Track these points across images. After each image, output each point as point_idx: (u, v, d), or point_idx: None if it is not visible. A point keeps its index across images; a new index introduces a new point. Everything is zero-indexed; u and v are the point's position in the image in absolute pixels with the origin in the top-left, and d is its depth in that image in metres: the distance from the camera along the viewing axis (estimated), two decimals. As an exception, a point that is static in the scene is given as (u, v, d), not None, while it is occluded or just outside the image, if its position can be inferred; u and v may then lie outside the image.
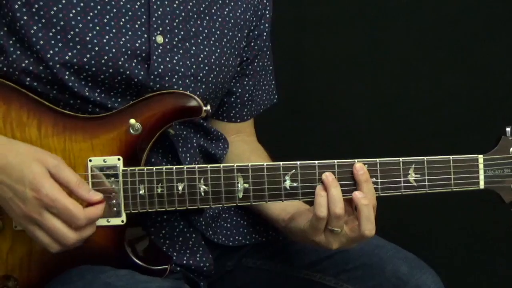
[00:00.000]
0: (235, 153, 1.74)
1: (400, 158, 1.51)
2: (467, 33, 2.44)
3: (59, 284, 1.48)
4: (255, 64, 1.74)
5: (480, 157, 1.53)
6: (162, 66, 1.54)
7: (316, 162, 1.50)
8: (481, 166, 1.52)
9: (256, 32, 1.71)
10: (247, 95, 1.75)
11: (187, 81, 1.57)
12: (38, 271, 1.50)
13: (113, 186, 1.49)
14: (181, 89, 1.56)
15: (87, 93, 1.51)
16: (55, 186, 1.39)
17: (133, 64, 1.52)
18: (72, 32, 1.49)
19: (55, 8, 1.49)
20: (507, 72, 2.45)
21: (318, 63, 2.45)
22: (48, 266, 1.50)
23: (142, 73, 1.53)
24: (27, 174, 1.39)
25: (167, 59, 1.55)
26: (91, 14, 1.50)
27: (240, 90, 1.74)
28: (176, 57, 1.56)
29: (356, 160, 1.51)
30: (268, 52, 1.77)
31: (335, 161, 1.51)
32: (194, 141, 1.63)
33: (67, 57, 1.49)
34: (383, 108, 2.45)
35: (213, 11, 1.63)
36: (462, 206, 2.41)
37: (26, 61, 1.49)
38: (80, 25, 1.49)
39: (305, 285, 1.66)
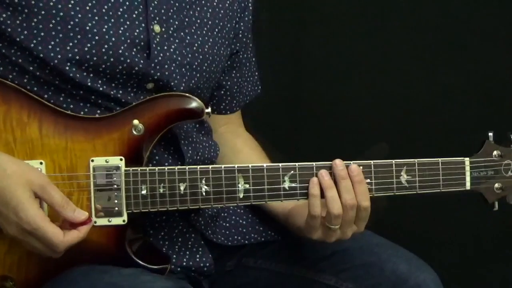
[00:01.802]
0: (228, 145, 1.77)
1: (393, 160, 1.58)
2: (457, 40, 2.51)
3: (62, 283, 1.47)
4: (240, 56, 1.77)
5: (467, 160, 1.61)
6: (161, 55, 1.56)
7: (314, 163, 1.55)
8: (467, 168, 1.61)
9: (241, 24, 1.74)
10: (235, 87, 1.78)
11: (183, 69, 1.59)
12: (36, 272, 1.50)
13: (115, 186, 1.50)
14: (178, 77, 1.57)
15: (89, 83, 1.51)
16: (37, 213, 1.40)
17: (133, 53, 1.53)
18: (72, 22, 1.49)
19: (54, 0, 1.49)
20: (492, 80, 2.53)
21: (317, 64, 2.47)
22: (46, 267, 1.49)
23: (142, 61, 1.54)
24: (11, 200, 1.40)
25: (165, 47, 1.56)
26: (89, 4, 1.51)
27: (229, 83, 1.77)
28: (172, 46, 1.58)
29: (351, 162, 1.56)
30: (251, 44, 1.80)
31: (332, 162, 1.56)
32: (194, 134, 1.65)
33: (68, 48, 1.49)
34: (379, 112, 2.50)
35: (203, 1, 1.66)
36: (461, 205, 2.44)
37: (26, 60, 1.49)
38: (80, 15, 1.50)
39: (306, 284, 1.68)
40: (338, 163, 1.54)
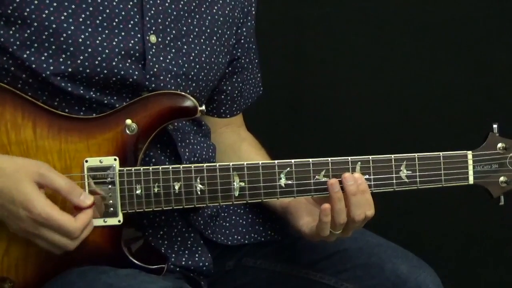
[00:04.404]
0: (226, 143, 1.76)
1: (392, 155, 1.54)
2: (457, 32, 2.48)
3: (60, 284, 1.47)
4: (242, 61, 1.75)
5: (469, 153, 1.57)
6: (157, 66, 1.55)
7: (310, 160, 1.53)
8: (470, 162, 1.56)
9: (244, 29, 1.73)
10: (236, 91, 1.77)
11: (178, 80, 1.58)
12: (35, 272, 1.50)
13: (110, 186, 1.49)
14: (173, 88, 1.56)
15: (82, 92, 1.51)
16: (46, 203, 1.40)
17: (127, 64, 1.52)
18: (64, 35, 1.49)
19: (46, 11, 1.48)
20: (494, 72, 2.50)
21: (316, 62, 2.47)
22: (44, 267, 1.49)
23: (136, 73, 1.53)
24: (17, 196, 1.40)
25: (161, 58, 1.55)
26: (82, 16, 1.50)
27: (230, 88, 1.75)
28: (168, 56, 1.57)
29: (349, 158, 1.54)
30: (254, 46, 1.78)
31: (329, 158, 1.53)
32: (192, 136, 1.64)
33: (60, 60, 1.48)
34: (376, 106, 2.48)
35: (203, 9, 1.64)
36: (461, 205, 2.43)
37: (18, 69, 1.49)
38: (72, 27, 1.49)
39: (305, 284, 1.67)
40: (348, 177, 1.51)
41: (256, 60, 1.80)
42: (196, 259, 1.63)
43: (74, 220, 1.41)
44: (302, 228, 1.57)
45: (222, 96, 1.76)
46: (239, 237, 1.71)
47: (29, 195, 1.40)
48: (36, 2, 1.47)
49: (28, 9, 1.47)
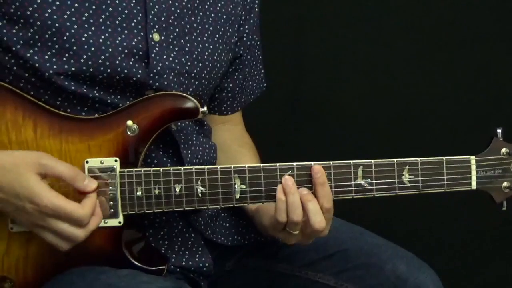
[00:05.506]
0: (218, 141, 1.74)
1: (395, 159, 1.53)
2: (460, 36, 2.48)
3: (60, 284, 1.47)
4: (244, 58, 1.74)
5: (472, 158, 1.56)
6: (160, 64, 1.54)
7: (312, 163, 1.52)
8: (473, 167, 1.55)
9: (246, 27, 1.71)
10: (237, 88, 1.76)
11: (181, 78, 1.57)
12: (35, 272, 1.50)
13: (110, 187, 1.49)
14: (176, 86, 1.56)
15: (85, 90, 1.50)
16: (51, 194, 1.40)
17: (131, 63, 1.51)
18: (67, 33, 1.47)
19: (49, 11, 1.47)
20: (498, 76, 2.49)
21: (317, 64, 2.46)
22: (44, 267, 1.50)
23: (140, 71, 1.52)
24: (21, 190, 1.40)
25: (164, 56, 1.54)
26: (85, 14, 1.49)
27: (231, 85, 1.75)
28: (172, 55, 1.56)
29: (351, 162, 1.53)
30: (258, 43, 1.77)
31: (331, 162, 1.52)
32: (194, 137, 1.63)
33: (64, 59, 1.47)
34: (378, 110, 2.48)
35: (206, 7, 1.63)
36: (461, 205, 2.43)
37: (21, 68, 1.48)
38: (75, 26, 1.48)
39: (305, 284, 1.67)
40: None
41: (260, 57, 1.79)
42: (197, 259, 1.63)
43: (81, 207, 1.41)
44: (265, 222, 1.56)
45: (223, 94, 1.75)
46: (239, 238, 1.71)
47: (34, 188, 1.39)
48: (38, 1, 1.46)
49: (30, 8, 1.46)
